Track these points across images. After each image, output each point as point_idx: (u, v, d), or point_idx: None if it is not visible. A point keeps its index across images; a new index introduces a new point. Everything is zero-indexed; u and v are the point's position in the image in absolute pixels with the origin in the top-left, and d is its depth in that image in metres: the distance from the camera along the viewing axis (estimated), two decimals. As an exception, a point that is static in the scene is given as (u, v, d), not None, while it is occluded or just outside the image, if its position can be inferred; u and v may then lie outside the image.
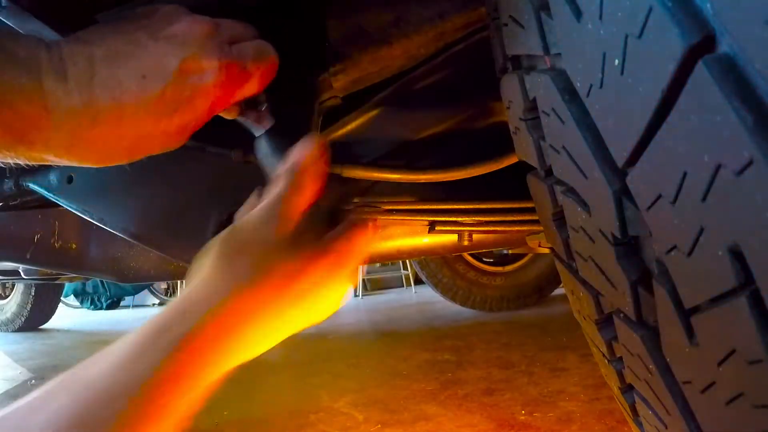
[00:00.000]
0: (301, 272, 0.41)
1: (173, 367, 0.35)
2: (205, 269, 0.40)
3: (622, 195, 0.29)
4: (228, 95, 0.44)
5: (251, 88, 0.46)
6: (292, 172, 0.43)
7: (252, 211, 0.42)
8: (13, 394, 2.00)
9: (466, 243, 0.96)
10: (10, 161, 0.38)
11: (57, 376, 0.35)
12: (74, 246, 1.22)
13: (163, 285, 6.32)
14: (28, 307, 3.65)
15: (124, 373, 0.34)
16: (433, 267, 2.84)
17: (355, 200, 0.84)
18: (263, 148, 0.51)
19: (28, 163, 0.39)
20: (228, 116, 0.50)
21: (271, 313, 0.41)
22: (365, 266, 0.48)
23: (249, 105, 0.51)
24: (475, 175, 0.69)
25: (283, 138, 0.51)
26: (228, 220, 0.64)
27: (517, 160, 0.56)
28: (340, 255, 0.43)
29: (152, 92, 0.40)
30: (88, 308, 6.01)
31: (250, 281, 0.39)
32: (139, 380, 0.34)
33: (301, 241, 0.42)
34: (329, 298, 0.44)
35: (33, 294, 3.63)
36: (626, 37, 0.24)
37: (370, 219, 0.47)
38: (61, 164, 0.41)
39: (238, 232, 0.42)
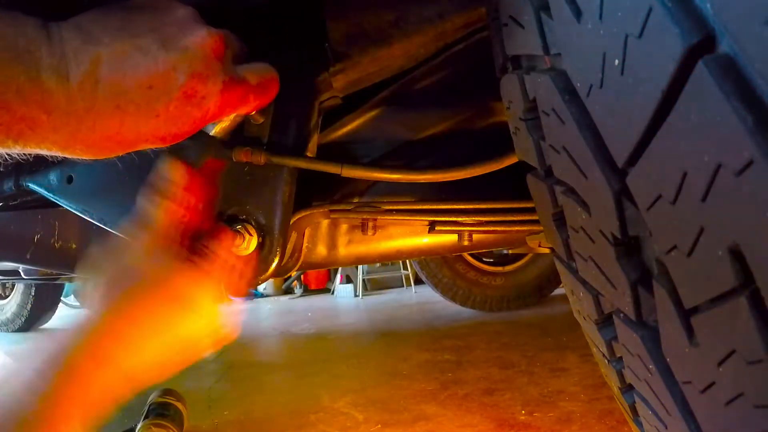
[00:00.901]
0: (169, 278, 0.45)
1: None
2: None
3: (622, 195, 0.29)
4: (224, 113, 0.45)
5: (246, 110, 0.47)
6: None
7: None
8: (13, 394, 1.99)
9: (466, 243, 0.96)
10: (3, 152, 0.37)
11: None
12: (74, 246, 1.22)
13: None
14: (28, 307, 3.65)
15: None
16: (433, 267, 2.84)
17: (355, 200, 0.84)
18: None
19: (21, 155, 0.38)
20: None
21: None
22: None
23: None
24: (475, 175, 0.69)
25: None
26: (228, 220, 0.64)
27: (517, 160, 0.56)
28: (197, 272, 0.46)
29: (156, 106, 0.39)
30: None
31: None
32: None
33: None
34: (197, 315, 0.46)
35: (33, 294, 3.62)
36: (626, 37, 0.24)
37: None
38: (54, 155, 0.40)
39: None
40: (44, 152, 0.39)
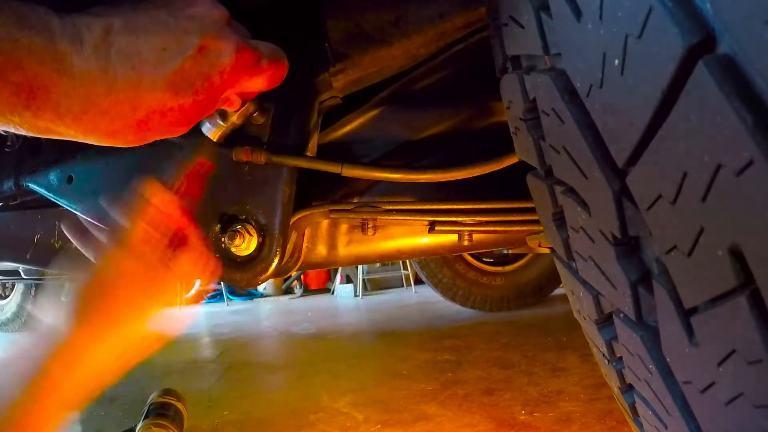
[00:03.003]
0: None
1: None
2: None
3: (622, 195, 0.29)
4: (240, 78, 0.45)
5: (260, 82, 0.46)
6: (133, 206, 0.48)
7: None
8: (13, 394, 1.99)
9: (466, 243, 0.96)
10: (12, 129, 0.36)
11: None
12: (74, 246, 1.22)
13: (163, 285, 6.31)
14: (28, 307, 3.65)
15: None
16: (433, 267, 2.84)
17: (355, 200, 0.84)
18: None
19: (30, 134, 0.37)
20: (230, 108, 0.51)
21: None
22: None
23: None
24: (475, 175, 0.69)
25: None
26: (228, 220, 0.64)
27: (517, 160, 0.56)
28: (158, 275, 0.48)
29: (171, 65, 0.40)
30: (88, 308, 6.00)
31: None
32: None
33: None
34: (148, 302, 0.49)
35: (33, 294, 3.62)
36: (626, 37, 0.24)
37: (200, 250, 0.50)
38: (66, 137, 0.39)
39: None
40: (57, 127, 0.38)
